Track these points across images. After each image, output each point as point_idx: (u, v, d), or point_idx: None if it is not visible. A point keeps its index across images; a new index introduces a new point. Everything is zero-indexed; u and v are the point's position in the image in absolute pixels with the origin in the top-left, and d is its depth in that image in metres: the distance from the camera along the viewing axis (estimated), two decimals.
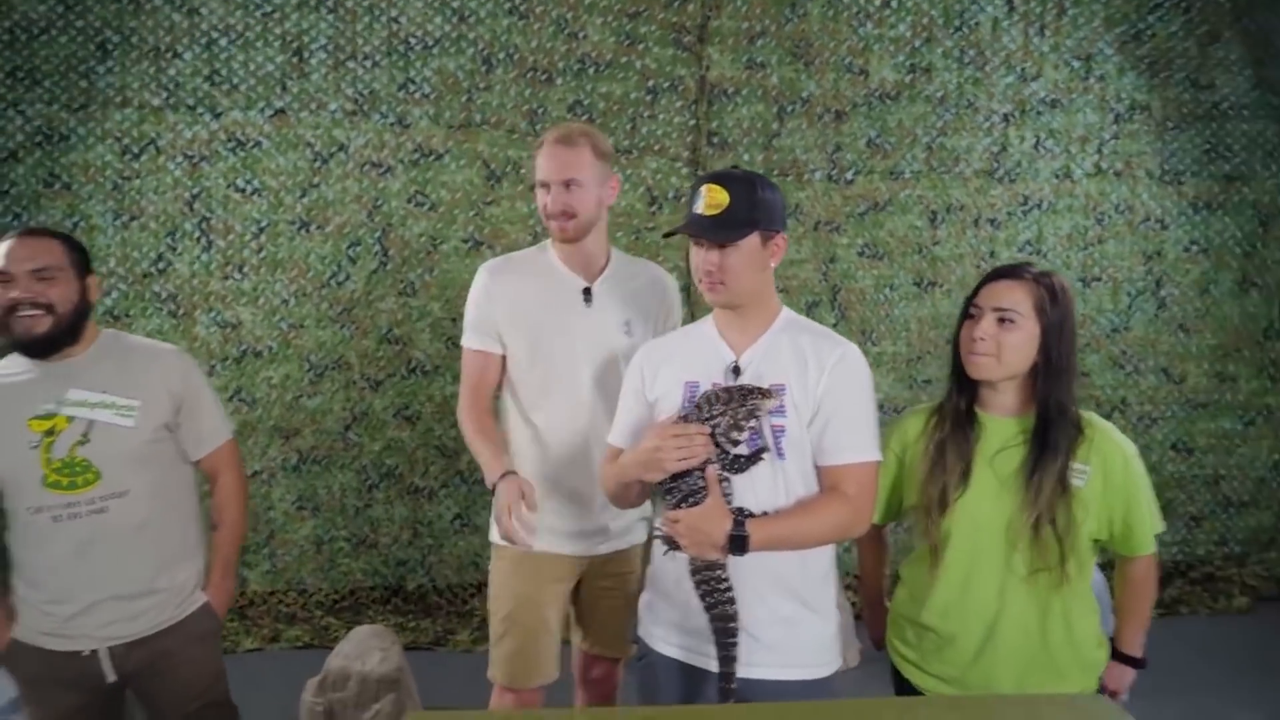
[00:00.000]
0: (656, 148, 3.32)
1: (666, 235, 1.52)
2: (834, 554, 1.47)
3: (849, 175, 3.38)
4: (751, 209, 1.38)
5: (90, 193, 3.16)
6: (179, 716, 1.67)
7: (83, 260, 1.61)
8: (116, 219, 3.17)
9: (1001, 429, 1.46)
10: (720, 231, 1.38)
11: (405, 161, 3.23)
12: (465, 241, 3.28)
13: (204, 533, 1.77)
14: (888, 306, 3.43)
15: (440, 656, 3.08)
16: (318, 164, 3.21)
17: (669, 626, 1.45)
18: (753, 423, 1.32)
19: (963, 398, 1.48)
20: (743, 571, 1.35)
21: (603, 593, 1.89)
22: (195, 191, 3.19)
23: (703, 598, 1.36)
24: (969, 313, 1.46)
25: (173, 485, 1.68)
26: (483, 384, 1.82)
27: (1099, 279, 3.45)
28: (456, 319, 3.33)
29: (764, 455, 1.34)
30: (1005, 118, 3.39)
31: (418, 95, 3.22)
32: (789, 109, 3.32)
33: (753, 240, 1.39)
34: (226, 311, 3.18)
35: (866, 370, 1.41)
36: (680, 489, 1.35)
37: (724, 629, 1.34)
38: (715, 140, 3.32)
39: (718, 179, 1.40)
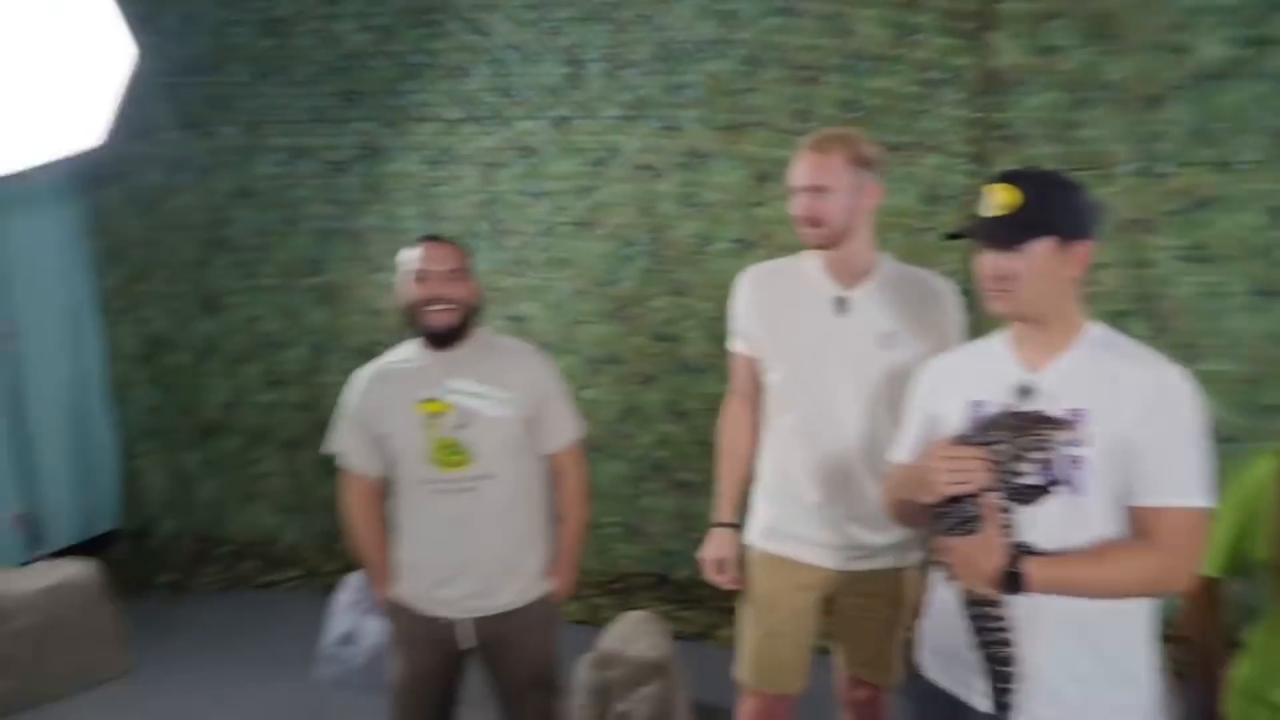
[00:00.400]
0: (933, 144, 3.51)
1: (948, 237, 1.58)
2: (1154, 610, 1.45)
3: (1167, 168, 3.25)
4: (1046, 210, 1.38)
5: (401, 199, 4.06)
6: (514, 689, 2.08)
7: (472, 267, 2.05)
8: (424, 222, 4.06)
9: None
10: (1006, 234, 1.40)
11: (675, 164, 3.78)
12: (735, 242, 3.68)
13: (550, 524, 2.14)
14: (1215, 319, 3.33)
15: (705, 649, 3.64)
16: (595, 168, 3.80)
17: (939, 654, 1.55)
18: (1039, 454, 1.33)
19: None
20: (1031, 611, 1.37)
21: (859, 611, 2.06)
22: (488, 197, 3.82)
23: (975, 633, 1.40)
24: None
25: (531, 475, 2.06)
26: (750, 388, 2.08)
27: None
28: (725, 318, 3.70)
29: (1055, 489, 1.35)
30: None
31: (687, 99, 3.59)
32: (1090, 96, 3.28)
33: (1046, 245, 1.39)
34: (516, 307, 3.86)
35: (1193, 397, 1.36)
36: (952, 515, 1.37)
37: (997, 671, 1.38)
38: (1001, 134, 3.36)
39: (1009, 177, 1.43)
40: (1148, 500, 1.34)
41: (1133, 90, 3.35)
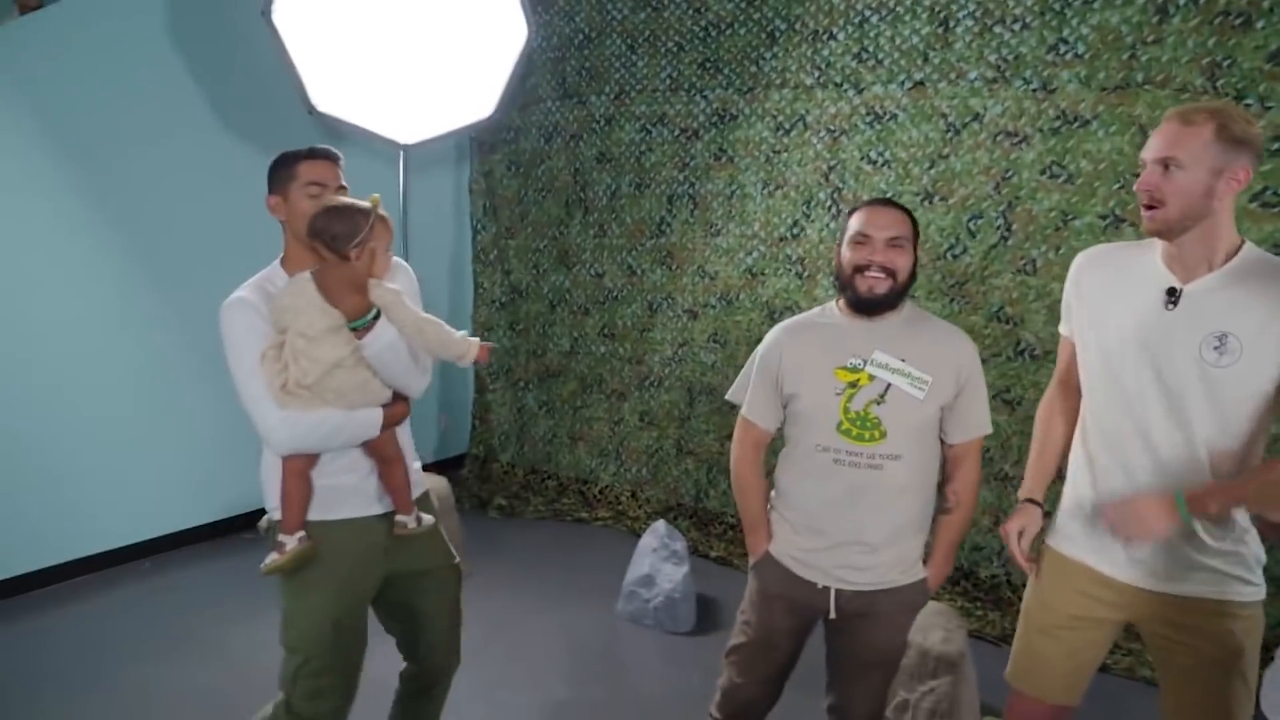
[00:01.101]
0: None
1: None
2: None
3: None
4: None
5: (747, 165, 4.13)
6: (856, 666, 2.05)
7: (918, 237, 1.97)
8: (764, 188, 4.04)
9: None
10: None
11: (1044, 130, 3.44)
12: (1103, 218, 3.28)
13: (932, 512, 2.06)
14: None
15: (1001, 652, 3.22)
16: (949, 135, 3.60)
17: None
18: None
19: None
20: None
21: (1176, 646, 1.77)
22: (832, 164, 3.84)
23: None
24: None
25: (931, 460, 1.98)
26: (1069, 375, 1.92)
27: None
28: None
29: None
30: None
31: (1069, 56, 3.32)
32: None
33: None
34: None
35: None
36: None
37: None
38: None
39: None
40: None
41: None
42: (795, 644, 2.08)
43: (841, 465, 1.90)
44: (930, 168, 3.65)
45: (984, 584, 3.73)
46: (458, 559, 2.12)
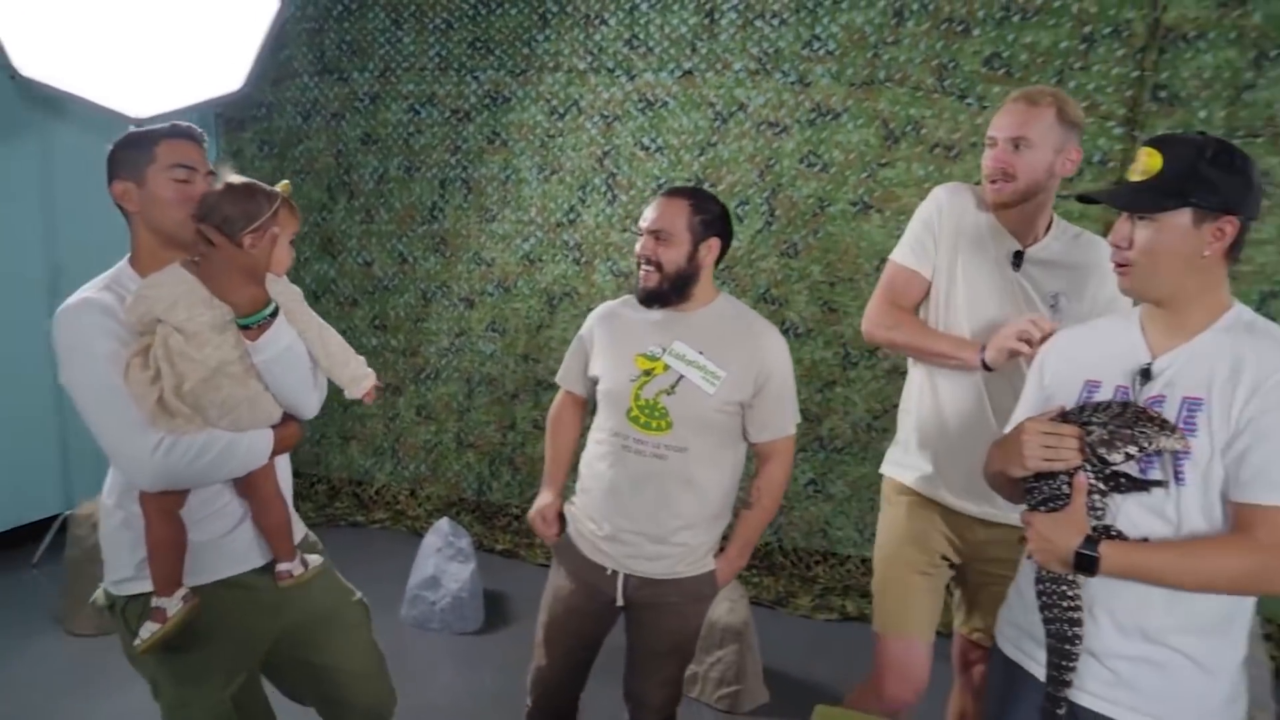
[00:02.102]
0: (1086, 104, 3.25)
1: (1081, 200, 1.46)
2: (1248, 610, 1.36)
3: None
4: (1186, 179, 1.28)
5: (522, 149, 4.03)
6: (650, 649, 1.99)
7: (709, 223, 1.86)
8: (540, 173, 3.99)
9: None
10: (1137, 201, 1.32)
11: (801, 121, 3.61)
12: (853, 204, 3.47)
13: (731, 507, 2.00)
14: None
15: (779, 617, 3.43)
16: (717, 123, 3.68)
17: (1010, 623, 1.51)
18: (1133, 450, 1.26)
19: None
20: (1109, 592, 1.32)
21: (988, 577, 1.96)
22: (606, 149, 3.84)
23: (1042, 610, 1.37)
24: None
25: (725, 456, 1.92)
26: (903, 299, 1.98)
27: None
28: (835, 283, 3.56)
29: (1156, 489, 1.30)
30: None
31: (821, 52, 3.53)
32: (1273, 54, 2.91)
33: (1179, 218, 1.29)
34: (622, 262, 3.74)
35: None
36: (1041, 490, 1.36)
37: (1059, 649, 1.34)
38: (1162, 95, 3.05)
39: (1157, 141, 1.34)
40: (1256, 498, 1.23)
41: None
42: (594, 627, 2.01)
43: (629, 452, 1.87)
44: (700, 155, 3.73)
45: (756, 551, 3.83)
46: (359, 595, 1.83)
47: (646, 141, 3.79)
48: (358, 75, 4.16)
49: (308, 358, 1.54)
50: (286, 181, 1.59)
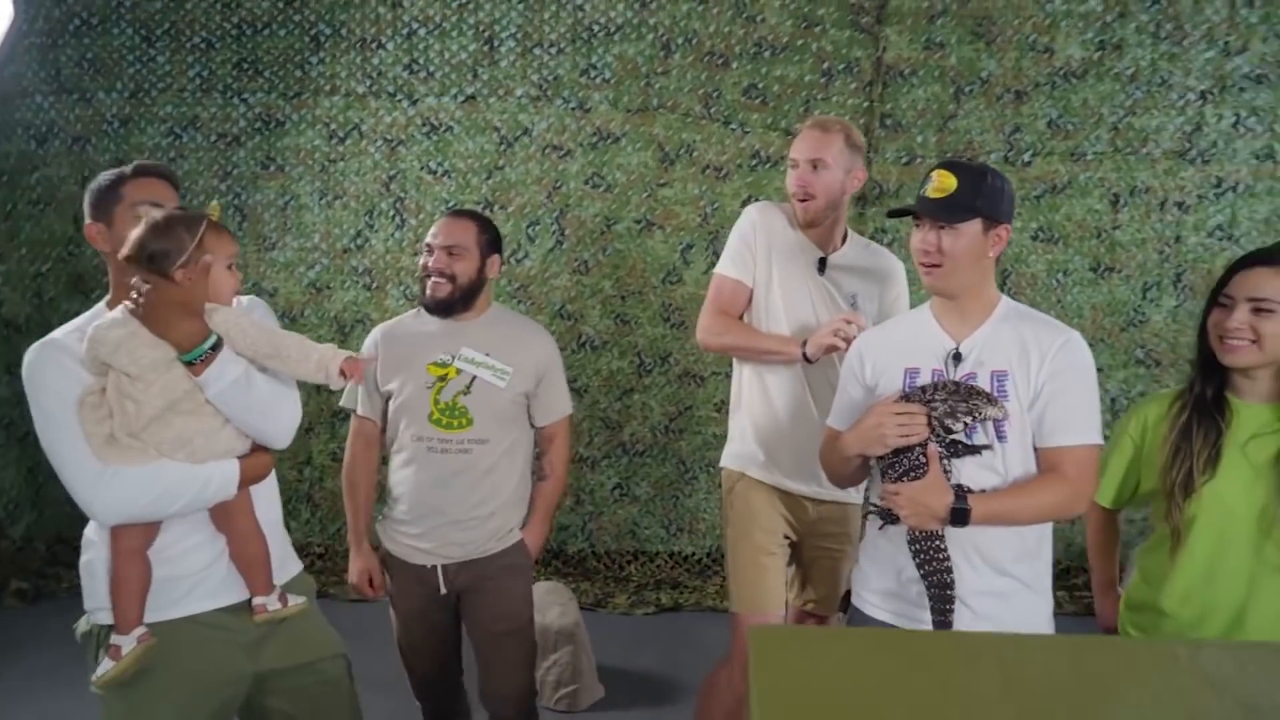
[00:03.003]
0: None
1: (891, 215, 1.75)
2: (1050, 535, 1.64)
3: (1026, 157, 3.58)
4: (977, 196, 1.55)
5: (300, 174, 3.90)
6: (487, 635, 2.12)
7: (492, 242, 2.11)
8: (322, 198, 3.87)
9: (1256, 415, 1.59)
10: (943, 214, 1.56)
11: (584, 144, 3.79)
12: (637, 222, 3.71)
13: (528, 489, 2.22)
14: (1060, 292, 3.69)
15: (600, 617, 3.66)
16: (503, 147, 3.75)
17: (882, 594, 1.68)
18: (969, 419, 1.51)
19: (1209, 384, 1.63)
20: (958, 545, 1.55)
21: (820, 551, 2.19)
22: (392, 173, 3.80)
23: (920, 566, 1.56)
24: (1219, 301, 1.60)
25: (519, 441, 2.15)
26: (730, 307, 2.16)
27: None
28: (626, 296, 3.77)
29: (984, 452, 1.55)
30: (1202, 95, 3.51)
31: (598, 80, 3.72)
32: (967, 89, 3.57)
33: (974, 227, 1.56)
34: (415, 285, 3.67)
35: (1089, 356, 1.58)
36: (901, 464, 1.56)
37: (941, 595, 1.54)
38: (889, 122, 3.55)
39: (948, 165, 1.60)
40: (1057, 441, 1.54)
41: (1004, 85, 3.65)
42: (439, 623, 2.13)
43: (434, 453, 2.04)
44: (488, 178, 3.81)
45: (572, 559, 4.03)
46: (342, 649, 1.74)
47: (433, 165, 3.81)
48: (104, 96, 3.79)
49: (266, 386, 1.48)
50: (215, 204, 1.54)
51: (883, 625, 1.65)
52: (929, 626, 1.57)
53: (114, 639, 1.46)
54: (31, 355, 1.47)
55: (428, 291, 2.06)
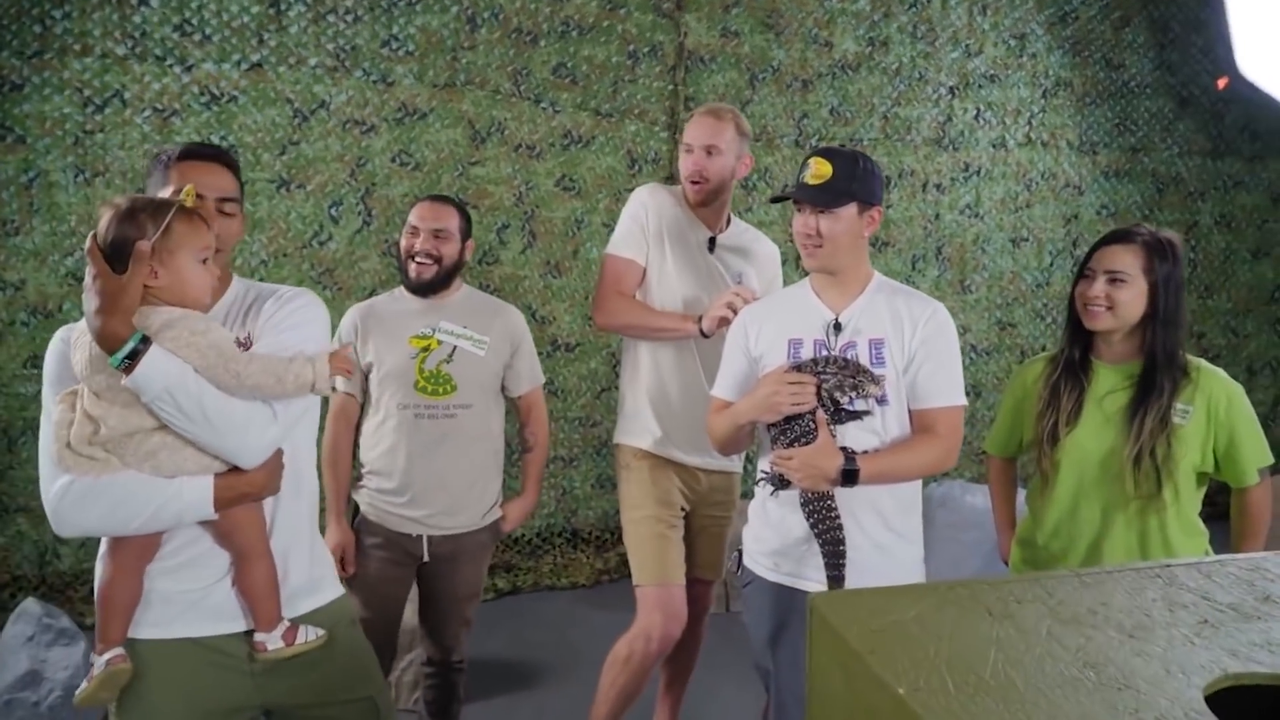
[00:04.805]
0: (636, 111, 3.80)
1: (773, 200, 1.87)
2: (919, 488, 1.80)
3: (813, 142, 3.87)
4: (851, 181, 1.66)
5: (48, 146, 3.34)
6: (448, 598, 2.25)
7: (467, 228, 2.24)
8: (78, 175, 3.38)
9: (1113, 374, 1.80)
10: (821, 199, 1.66)
11: (389, 120, 3.61)
12: None
13: (502, 460, 2.32)
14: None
15: None
16: (298, 121, 3.48)
17: (771, 554, 1.78)
18: (854, 394, 1.64)
19: (1077, 347, 1.83)
20: (845, 504, 1.66)
21: (709, 520, 2.32)
22: (164, 147, 3.26)
23: (814, 526, 1.66)
24: (1083, 273, 1.82)
25: (496, 411, 2.27)
26: (624, 286, 2.23)
27: (1026, 239, 4.16)
28: None
29: (865, 417, 1.68)
30: (951, 90, 4.01)
31: (401, 53, 3.57)
32: (760, 77, 3.83)
33: (850, 210, 1.67)
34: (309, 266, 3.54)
35: (953, 325, 1.73)
36: (793, 430, 1.66)
37: (834, 551, 1.65)
38: (693, 105, 3.74)
39: (823, 153, 1.70)
40: (930, 404, 1.69)
41: (792, 74, 3.95)
42: (403, 578, 2.22)
43: (422, 419, 2.13)
44: (281, 154, 3.51)
45: None
46: (372, 692, 1.57)
47: (215, 139, 3.42)
48: None
49: (221, 397, 1.30)
50: (190, 187, 1.36)
51: (777, 586, 1.76)
52: (818, 584, 1.68)
53: (93, 656, 1.38)
54: (51, 342, 1.40)
55: (412, 273, 2.16)
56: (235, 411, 1.31)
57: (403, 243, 2.20)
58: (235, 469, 1.35)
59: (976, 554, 3.61)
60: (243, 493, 1.36)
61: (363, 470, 2.22)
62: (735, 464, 2.32)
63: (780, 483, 1.71)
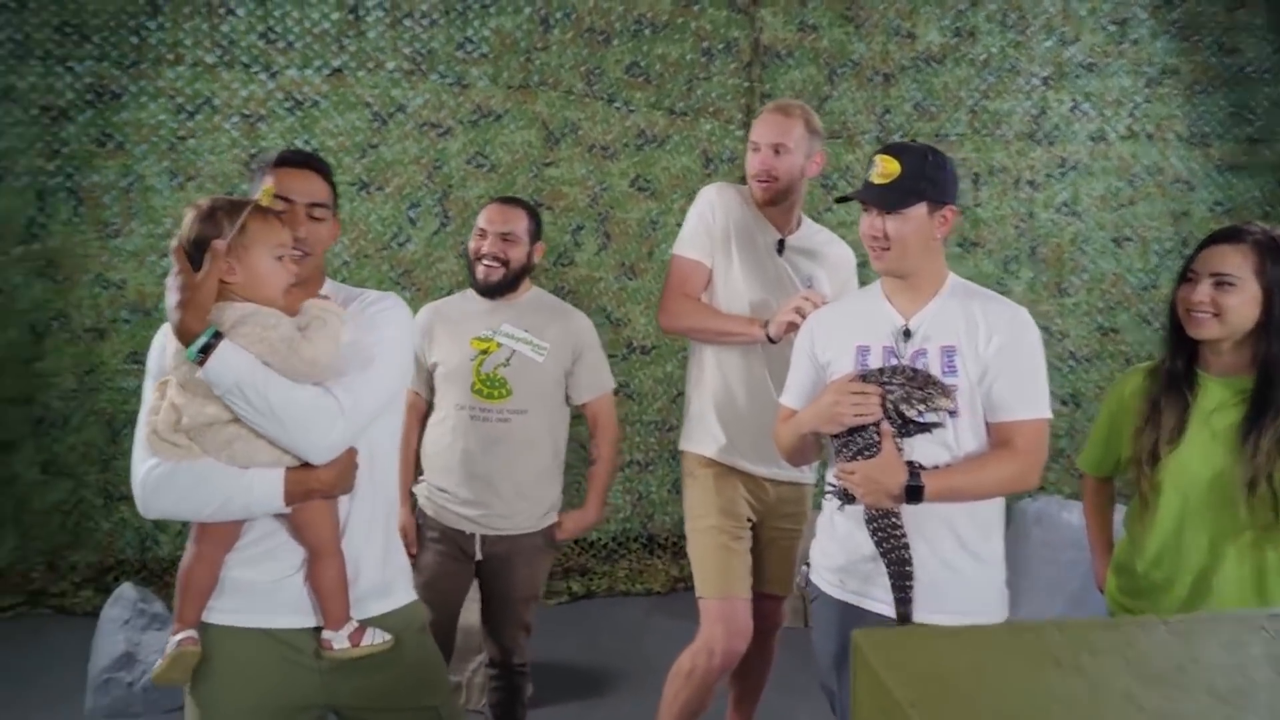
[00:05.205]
0: (711, 109, 3.77)
1: (839, 200, 1.75)
2: (1002, 507, 1.65)
3: (896, 138, 3.72)
4: (920, 180, 1.56)
5: (145, 152, 3.49)
6: (506, 600, 2.24)
7: (537, 230, 2.23)
8: (173, 179, 3.51)
9: (1221, 388, 1.62)
10: (888, 199, 1.57)
11: (464, 122, 3.64)
12: None
13: (562, 466, 2.29)
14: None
15: None
16: (376, 124, 3.54)
17: (837, 571, 1.68)
18: (922, 408, 1.51)
19: (1179, 358, 1.66)
20: (914, 521, 1.55)
21: (778, 532, 2.24)
22: (252, 151, 3.56)
23: (878, 544, 1.56)
24: (1186, 276, 1.65)
25: (558, 419, 2.24)
26: (690, 288, 2.17)
27: (1130, 239, 3.90)
28: None
29: (935, 429, 1.55)
30: (1045, 81, 3.81)
31: (476, 55, 3.60)
32: (839, 71, 3.71)
33: (919, 210, 1.57)
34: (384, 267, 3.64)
35: (1036, 332, 1.60)
36: (856, 442, 1.55)
37: (900, 572, 1.54)
38: (769, 103, 3.61)
39: (891, 150, 1.60)
40: (1008, 416, 1.56)
41: (873, 68, 3.80)
42: (461, 578, 2.22)
43: (477, 420, 2.14)
44: (362, 156, 3.57)
45: None
46: (437, 702, 1.56)
47: (299, 144, 3.51)
48: None
49: (290, 392, 1.32)
50: (269, 186, 1.41)
51: (843, 603, 1.66)
52: (885, 605, 1.58)
53: (169, 636, 1.42)
54: (155, 337, 1.47)
55: (480, 275, 2.17)
56: (300, 406, 1.31)
57: (471, 245, 2.21)
58: (306, 464, 1.35)
59: (1074, 576, 3.39)
60: (311, 488, 1.37)
61: (423, 465, 2.24)
62: (806, 474, 2.22)
63: (846, 497, 1.62)
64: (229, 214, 1.31)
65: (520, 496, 2.15)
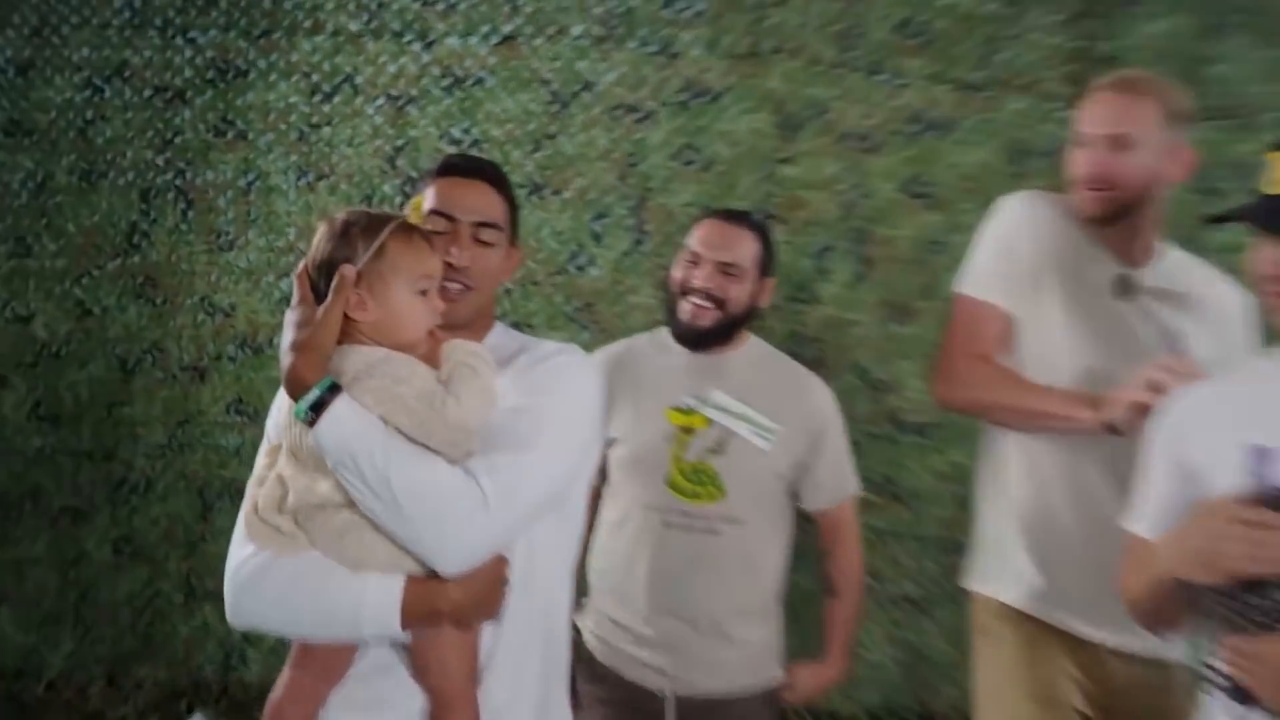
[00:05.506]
0: (1021, 82, 2.84)
1: (1212, 220, 1.31)
2: None
3: None
4: None
5: (270, 143, 2.94)
6: None
7: (769, 260, 1.78)
8: (300, 178, 2.93)
9: None
10: None
11: (670, 104, 2.87)
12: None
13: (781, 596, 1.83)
14: None
15: None
16: (555, 108, 2.90)
17: None
18: None
19: None
20: None
21: (1144, 711, 1.64)
22: (399, 144, 2.94)
23: None
24: None
25: (781, 528, 1.79)
26: (983, 345, 1.69)
27: None
28: None
29: None
30: None
31: (688, 14, 2.84)
32: (1229, 21, 2.84)
33: None
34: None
35: None
36: (1257, 605, 1.08)
37: None
38: (1110, 68, 2.57)
39: None
40: None
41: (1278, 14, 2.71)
42: None
43: (671, 530, 1.72)
44: (535, 151, 2.85)
45: None
46: None
47: (457, 133, 2.84)
48: None
49: (425, 470, 1.04)
50: (418, 200, 1.21)
51: None
52: None
53: None
54: None
55: (685, 316, 1.74)
56: (430, 490, 1.04)
57: (676, 273, 1.79)
58: (434, 574, 1.06)
59: None
60: (438, 608, 1.06)
61: (589, 585, 1.81)
62: (1174, 648, 1.66)
63: (1239, 695, 1.11)
64: (364, 232, 1.10)
65: (729, 640, 1.72)
